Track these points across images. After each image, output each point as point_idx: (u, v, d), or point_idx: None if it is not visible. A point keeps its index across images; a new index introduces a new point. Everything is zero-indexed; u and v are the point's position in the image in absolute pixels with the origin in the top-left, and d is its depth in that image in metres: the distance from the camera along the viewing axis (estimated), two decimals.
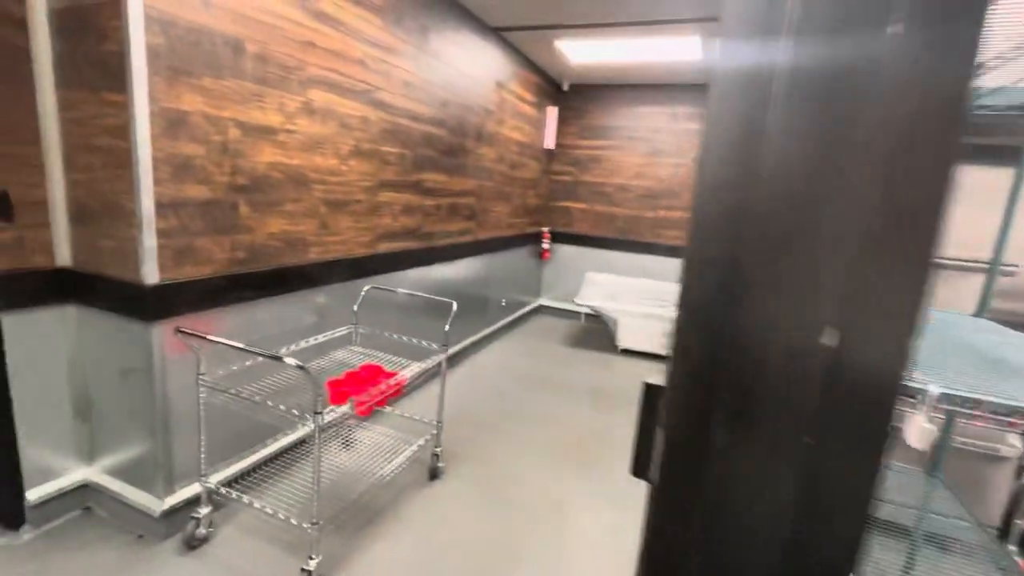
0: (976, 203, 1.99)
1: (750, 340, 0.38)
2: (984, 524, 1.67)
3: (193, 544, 1.86)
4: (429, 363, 2.34)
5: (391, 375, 2.16)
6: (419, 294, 2.66)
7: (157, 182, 1.69)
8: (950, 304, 1.80)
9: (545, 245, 5.48)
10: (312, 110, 2.25)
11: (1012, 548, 1.55)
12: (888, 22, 0.35)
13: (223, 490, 1.91)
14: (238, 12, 1.86)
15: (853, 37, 0.36)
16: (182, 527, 1.90)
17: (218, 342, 1.72)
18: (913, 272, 0.35)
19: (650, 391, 0.51)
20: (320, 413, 1.64)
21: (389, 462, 2.20)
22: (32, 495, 1.84)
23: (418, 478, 2.43)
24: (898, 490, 1.84)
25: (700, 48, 3.76)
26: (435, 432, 2.45)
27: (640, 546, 0.59)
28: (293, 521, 1.76)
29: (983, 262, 1.87)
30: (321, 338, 2.38)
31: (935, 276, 0.37)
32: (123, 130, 1.63)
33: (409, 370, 2.24)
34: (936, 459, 1.89)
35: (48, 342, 1.84)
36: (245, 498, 1.87)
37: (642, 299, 4.88)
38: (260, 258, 2.10)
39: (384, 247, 2.89)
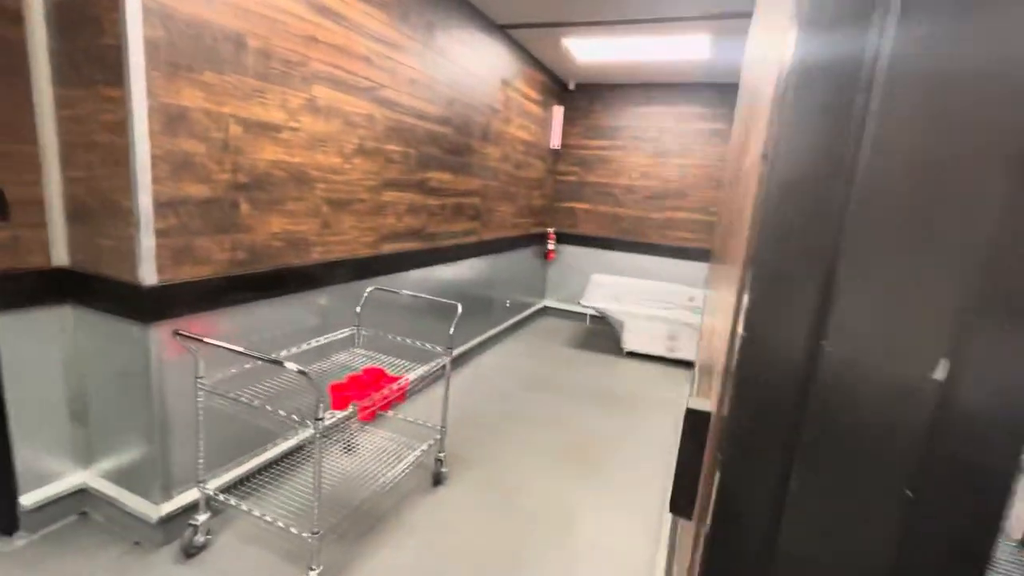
0: None
1: (837, 369, 0.32)
2: None
3: (191, 552, 1.81)
4: (433, 366, 2.29)
5: (394, 379, 2.10)
6: (423, 296, 2.61)
7: (155, 180, 1.64)
8: None
9: (550, 246, 5.42)
10: (315, 107, 2.20)
11: None
12: None
13: (222, 496, 1.86)
14: (240, 6, 1.81)
15: (982, 12, 0.30)
16: (180, 534, 1.85)
17: (217, 345, 1.67)
18: None
19: (694, 418, 0.45)
20: (321, 419, 1.59)
21: (392, 467, 2.14)
22: (27, 500, 1.80)
23: (421, 483, 2.38)
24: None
25: (708, 47, 3.70)
26: (439, 436, 2.39)
27: None
28: (293, 530, 1.71)
29: None
30: (323, 340, 2.33)
31: None
32: (121, 126, 1.58)
33: (413, 373, 2.19)
34: None
35: (44, 343, 1.79)
36: (244, 505, 1.82)
37: (648, 301, 4.82)
38: (261, 258, 2.06)
39: (388, 247, 2.84)
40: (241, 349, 1.64)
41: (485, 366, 3.99)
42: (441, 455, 2.39)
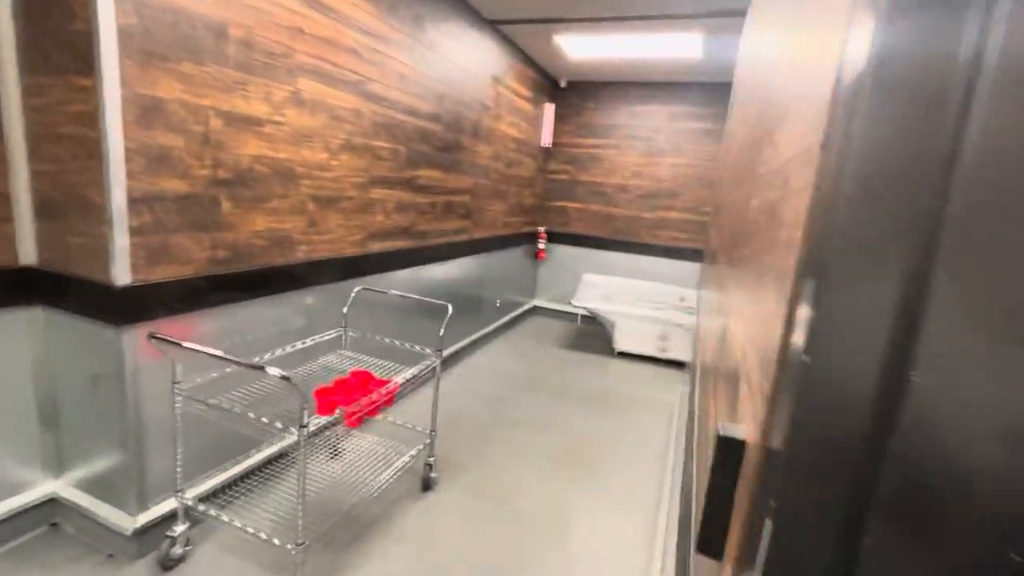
0: None
1: (928, 407, 0.26)
2: None
3: (168, 564, 1.73)
4: (422, 368, 2.22)
5: (383, 383, 2.04)
6: (412, 296, 2.54)
7: (130, 175, 1.56)
8: None
9: (541, 245, 5.36)
10: (300, 100, 2.12)
11: None
12: None
13: (201, 506, 1.78)
14: None
15: None
16: (156, 546, 1.77)
17: (193, 349, 1.59)
18: None
19: (728, 447, 0.39)
20: (306, 425, 1.52)
21: (380, 473, 2.08)
22: None
23: (410, 489, 2.31)
24: None
25: (700, 45, 3.67)
26: (428, 440, 2.33)
27: None
28: (276, 541, 1.64)
29: None
30: (309, 342, 2.26)
31: None
32: (92, 117, 1.49)
33: (401, 376, 2.12)
34: None
35: (12, 346, 1.70)
36: (224, 515, 1.75)
37: (639, 301, 4.79)
38: (243, 257, 1.97)
39: (376, 246, 2.77)
40: (219, 353, 1.57)
41: (475, 367, 3.92)
42: (431, 459, 2.33)
